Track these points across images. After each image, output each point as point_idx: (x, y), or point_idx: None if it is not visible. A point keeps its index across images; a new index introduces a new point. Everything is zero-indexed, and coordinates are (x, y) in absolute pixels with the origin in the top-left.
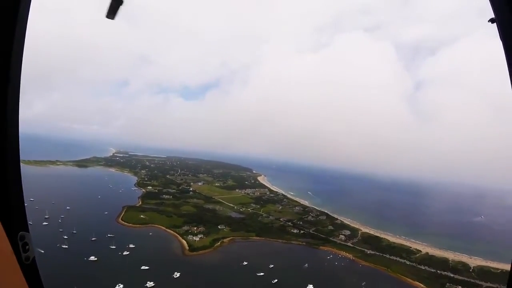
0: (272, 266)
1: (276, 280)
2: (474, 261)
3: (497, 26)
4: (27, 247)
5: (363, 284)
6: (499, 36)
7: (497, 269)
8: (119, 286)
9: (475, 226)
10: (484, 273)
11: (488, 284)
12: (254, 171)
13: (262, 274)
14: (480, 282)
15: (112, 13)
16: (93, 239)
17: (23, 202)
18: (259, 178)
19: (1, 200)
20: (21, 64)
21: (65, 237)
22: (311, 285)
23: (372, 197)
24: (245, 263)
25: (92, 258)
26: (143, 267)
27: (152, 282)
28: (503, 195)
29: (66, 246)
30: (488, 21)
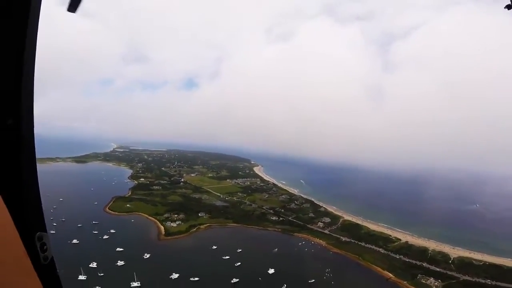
0: (240, 250)
1: (239, 263)
2: (457, 252)
3: None
4: (45, 247)
5: (327, 270)
6: None
7: (480, 261)
8: (93, 263)
9: (467, 215)
10: (465, 265)
11: (466, 278)
12: (252, 162)
13: (227, 257)
14: (458, 275)
15: (73, 6)
16: (79, 225)
17: (40, 202)
18: (255, 169)
19: (18, 201)
20: (34, 62)
21: (54, 224)
22: (273, 269)
23: (366, 187)
24: (214, 247)
25: (75, 241)
26: (118, 249)
27: (122, 261)
28: (504, 181)
29: (54, 232)
30: (504, 7)
